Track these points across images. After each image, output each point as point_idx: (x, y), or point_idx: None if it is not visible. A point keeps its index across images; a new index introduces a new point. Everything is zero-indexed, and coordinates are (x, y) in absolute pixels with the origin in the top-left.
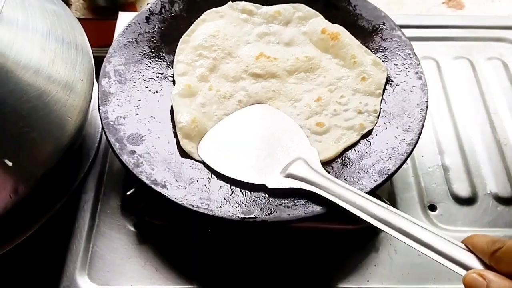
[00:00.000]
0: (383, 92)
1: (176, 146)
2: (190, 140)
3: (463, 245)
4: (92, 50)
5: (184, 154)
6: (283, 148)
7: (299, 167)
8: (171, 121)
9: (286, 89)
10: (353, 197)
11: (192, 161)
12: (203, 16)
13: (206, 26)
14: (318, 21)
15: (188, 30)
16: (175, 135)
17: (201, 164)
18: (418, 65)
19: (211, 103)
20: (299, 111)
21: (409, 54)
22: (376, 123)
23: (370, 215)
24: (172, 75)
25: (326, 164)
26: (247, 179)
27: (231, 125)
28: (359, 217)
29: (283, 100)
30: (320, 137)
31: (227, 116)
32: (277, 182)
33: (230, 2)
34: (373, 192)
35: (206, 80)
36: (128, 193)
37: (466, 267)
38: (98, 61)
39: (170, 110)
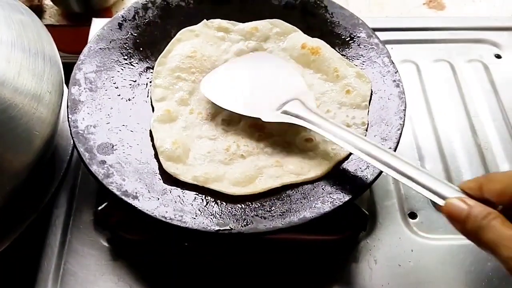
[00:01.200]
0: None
1: (151, 157)
2: (174, 162)
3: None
4: (66, 57)
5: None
6: (281, 88)
7: (295, 106)
8: (144, 130)
9: None
10: (346, 135)
11: (164, 172)
12: (178, 35)
13: (182, 46)
14: (297, 36)
15: (164, 50)
16: (153, 147)
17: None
18: (395, 73)
19: (193, 126)
20: (287, 128)
21: (386, 62)
22: (366, 135)
23: (362, 151)
24: (145, 83)
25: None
26: (243, 112)
27: (234, 66)
28: (352, 153)
29: None
30: (311, 153)
31: (210, 135)
32: (272, 116)
33: (205, 20)
34: (351, 202)
35: (186, 103)
36: (100, 208)
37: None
38: (72, 68)
39: (144, 118)
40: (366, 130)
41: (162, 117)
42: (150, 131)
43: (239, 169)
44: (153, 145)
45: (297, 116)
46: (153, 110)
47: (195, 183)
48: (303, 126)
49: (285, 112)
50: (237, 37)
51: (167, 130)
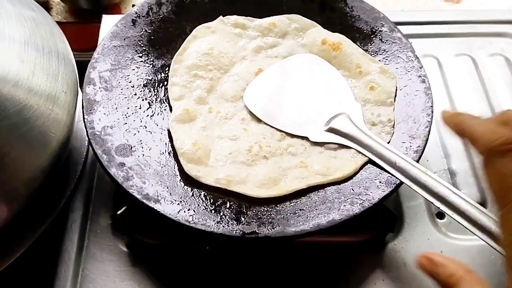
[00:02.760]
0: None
1: (171, 159)
2: (195, 164)
3: None
4: (74, 54)
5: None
6: (327, 101)
7: (342, 122)
8: (163, 130)
9: None
10: (394, 158)
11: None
12: (194, 32)
13: (199, 43)
14: (317, 32)
15: (180, 48)
16: (173, 147)
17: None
18: (420, 68)
19: (212, 125)
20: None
21: (410, 56)
22: (393, 133)
23: (410, 178)
24: (162, 81)
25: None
26: (290, 131)
27: (277, 73)
28: (398, 178)
29: None
30: (335, 153)
31: (231, 135)
32: (319, 135)
33: (221, 16)
34: (381, 203)
35: (204, 102)
36: (119, 212)
37: None
38: (81, 66)
39: (162, 118)
40: (393, 127)
41: (180, 117)
42: (169, 131)
43: (263, 171)
44: (172, 146)
45: (344, 135)
46: (171, 110)
47: (218, 185)
48: (350, 146)
49: (332, 130)
50: (254, 33)
51: (186, 130)
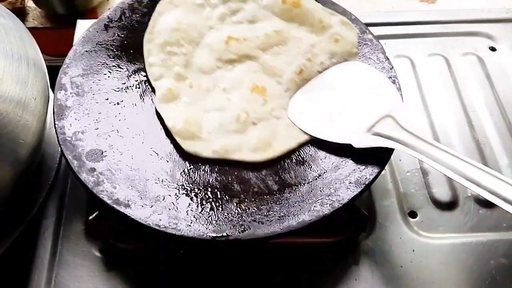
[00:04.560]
0: None
1: (142, 162)
2: (191, 140)
3: None
4: (51, 60)
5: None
6: (371, 105)
7: (387, 126)
8: (134, 135)
9: (265, 66)
10: (445, 158)
11: (157, 178)
12: (157, 8)
13: (165, 19)
14: None
15: (148, 26)
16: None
17: (167, 180)
18: (391, 69)
19: (196, 100)
20: (286, 88)
21: (381, 58)
22: None
23: (467, 178)
24: (134, 86)
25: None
26: (332, 139)
27: (319, 84)
28: (452, 179)
29: (265, 79)
30: None
31: (216, 107)
32: (363, 141)
33: None
34: (351, 203)
35: (183, 78)
36: (91, 217)
37: None
38: (58, 72)
39: (133, 123)
40: None
41: (165, 97)
42: (157, 112)
43: (255, 136)
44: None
45: (390, 138)
46: (154, 92)
47: (216, 157)
48: (399, 150)
49: (377, 134)
50: (215, 2)
51: (173, 108)
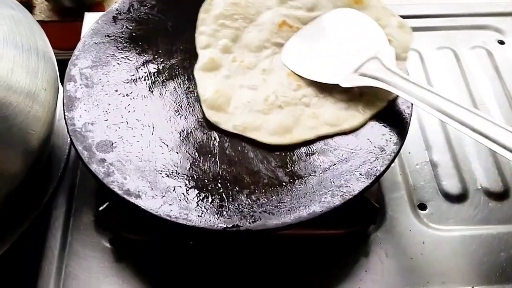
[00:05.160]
0: None
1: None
2: (216, 111)
3: None
4: (58, 53)
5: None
6: (359, 48)
7: (373, 66)
8: (144, 126)
9: None
10: (429, 97)
11: (167, 169)
12: None
13: None
14: None
15: None
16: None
17: (177, 172)
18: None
19: (235, 74)
20: None
21: None
22: None
23: (448, 115)
24: (143, 77)
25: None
26: (321, 80)
27: (313, 30)
28: (438, 118)
29: None
30: (347, 105)
31: (251, 85)
32: (350, 80)
33: None
34: (361, 195)
35: (229, 51)
36: (101, 208)
37: None
38: (64, 65)
39: (143, 114)
40: None
41: (206, 66)
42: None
43: (276, 119)
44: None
45: (375, 78)
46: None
47: (234, 131)
48: (382, 88)
49: (363, 74)
50: None
51: (211, 77)
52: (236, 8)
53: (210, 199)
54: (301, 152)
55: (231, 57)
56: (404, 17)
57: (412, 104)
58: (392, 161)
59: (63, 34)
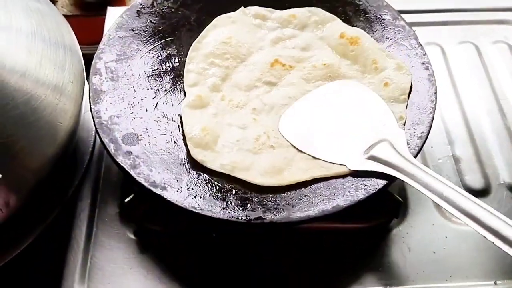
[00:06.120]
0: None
1: (178, 147)
2: (202, 149)
3: None
4: (80, 48)
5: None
6: (367, 127)
7: (383, 150)
8: (168, 119)
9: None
10: (440, 187)
11: (192, 162)
12: (214, 21)
13: (218, 32)
14: (336, 25)
15: (199, 36)
16: (183, 134)
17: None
18: (424, 55)
19: (223, 113)
20: None
21: (413, 44)
22: (404, 130)
23: (459, 209)
24: (167, 70)
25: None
26: (327, 159)
27: (314, 101)
28: (446, 209)
29: None
30: None
31: (240, 124)
32: (358, 163)
33: (242, 7)
34: (385, 189)
35: (218, 90)
36: (127, 200)
37: None
38: (87, 59)
39: (167, 107)
40: (404, 125)
41: (193, 103)
42: (180, 117)
43: (268, 160)
44: (182, 133)
45: (386, 163)
46: (184, 95)
47: (222, 171)
48: (392, 175)
49: (373, 158)
50: (274, 25)
51: (197, 115)
52: (227, 47)
53: (234, 192)
54: None
55: (220, 95)
56: (426, 11)
57: (436, 98)
58: (416, 155)
59: (84, 28)
